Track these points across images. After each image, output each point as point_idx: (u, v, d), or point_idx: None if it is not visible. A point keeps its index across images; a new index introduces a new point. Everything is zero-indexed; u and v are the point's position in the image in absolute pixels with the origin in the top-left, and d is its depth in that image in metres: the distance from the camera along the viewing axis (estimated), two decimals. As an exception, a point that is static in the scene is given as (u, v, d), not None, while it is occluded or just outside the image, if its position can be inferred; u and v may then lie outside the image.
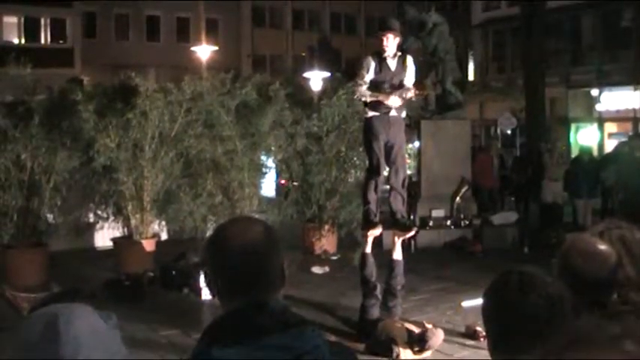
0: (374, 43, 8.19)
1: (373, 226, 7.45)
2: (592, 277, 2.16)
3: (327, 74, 15.82)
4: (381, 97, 7.23)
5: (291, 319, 1.87)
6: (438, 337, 6.73)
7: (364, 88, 7.32)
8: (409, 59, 7.47)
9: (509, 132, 25.25)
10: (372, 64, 7.31)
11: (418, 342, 6.67)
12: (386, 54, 7.31)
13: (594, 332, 0.96)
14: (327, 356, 1.86)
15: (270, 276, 1.93)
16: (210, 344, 1.80)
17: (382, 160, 7.34)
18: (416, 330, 6.83)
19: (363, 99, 7.43)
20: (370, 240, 7.55)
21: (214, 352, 1.78)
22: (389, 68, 7.33)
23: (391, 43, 7.30)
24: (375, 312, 7.37)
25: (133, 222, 10.50)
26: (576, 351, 0.95)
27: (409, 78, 7.45)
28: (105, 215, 11.00)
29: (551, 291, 1.87)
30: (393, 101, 7.22)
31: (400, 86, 7.34)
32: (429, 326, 6.89)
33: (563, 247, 2.29)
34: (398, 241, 7.59)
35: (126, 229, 10.78)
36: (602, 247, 2.23)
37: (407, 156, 7.62)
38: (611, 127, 28.92)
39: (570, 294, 1.91)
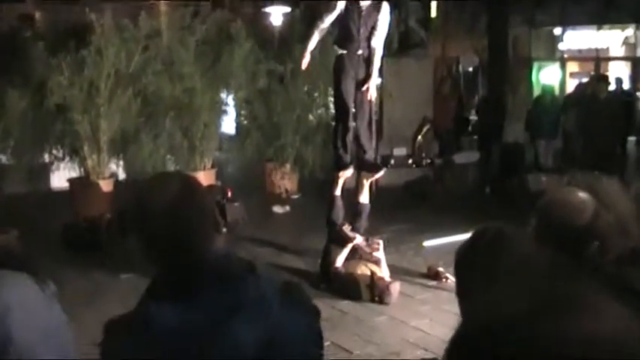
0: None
1: (345, 167, 7.30)
2: (572, 228, 2.12)
3: (288, 9, 15.47)
4: (304, 54, 7.37)
5: (233, 269, 1.81)
6: (396, 290, 6.72)
7: (315, 36, 7.34)
8: (385, 7, 7.18)
9: (470, 71, 25.16)
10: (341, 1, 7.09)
11: (379, 292, 6.65)
12: None
13: None
14: (274, 305, 1.80)
15: (199, 229, 1.87)
16: (149, 301, 1.81)
17: (350, 100, 7.17)
18: (378, 274, 6.81)
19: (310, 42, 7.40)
20: (341, 182, 7.41)
21: (152, 309, 1.78)
22: (359, 6, 7.07)
23: None
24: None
25: (89, 163, 10.24)
26: None
27: (379, 37, 7.20)
28: (60, 155, 10.70)
29: (523, 251, 1.82)
30: (305, 62, 7.39)
31: (370, 35, 7.13)
32: (388, 280, 6.83)
33: (541, 202, 2.24)
34: (366, 183, 7.47)
35: (82, 170, 10.52)
36: (581, 194, 2.19)
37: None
38: (573, 66, 29.06)
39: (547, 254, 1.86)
